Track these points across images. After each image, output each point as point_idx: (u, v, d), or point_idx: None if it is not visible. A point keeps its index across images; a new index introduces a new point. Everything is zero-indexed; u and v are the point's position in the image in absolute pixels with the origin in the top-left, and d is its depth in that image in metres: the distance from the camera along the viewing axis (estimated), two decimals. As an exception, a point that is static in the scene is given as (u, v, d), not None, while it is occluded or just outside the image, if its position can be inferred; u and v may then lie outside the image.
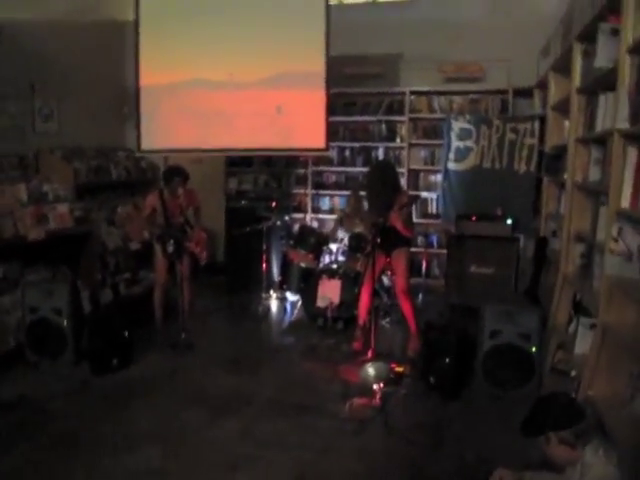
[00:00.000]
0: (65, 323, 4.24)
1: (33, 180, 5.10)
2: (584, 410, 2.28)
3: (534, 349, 3.69)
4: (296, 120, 5.93)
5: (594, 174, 3.65)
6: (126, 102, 7.11)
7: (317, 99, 5.79)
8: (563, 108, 4.71)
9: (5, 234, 4.30)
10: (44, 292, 4.28)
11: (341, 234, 5.74)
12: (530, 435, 2.34)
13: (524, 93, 6.39)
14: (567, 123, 4.47)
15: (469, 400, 3.80)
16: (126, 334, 4.38)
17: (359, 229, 4.86)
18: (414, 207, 5.57)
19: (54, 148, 5.88)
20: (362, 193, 4.74)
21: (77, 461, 3.03)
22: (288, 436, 3.36)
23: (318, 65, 5.72)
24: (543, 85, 5.64)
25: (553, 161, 5.06)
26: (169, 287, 5.13)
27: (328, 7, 5.66)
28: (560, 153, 4.77)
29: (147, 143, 6.36)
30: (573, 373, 3.46)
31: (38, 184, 5.05)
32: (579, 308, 3.72)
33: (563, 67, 4.61)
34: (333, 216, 7.09)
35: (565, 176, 4.27)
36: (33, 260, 4.89)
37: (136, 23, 6.21)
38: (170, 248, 4.74)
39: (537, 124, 5.94)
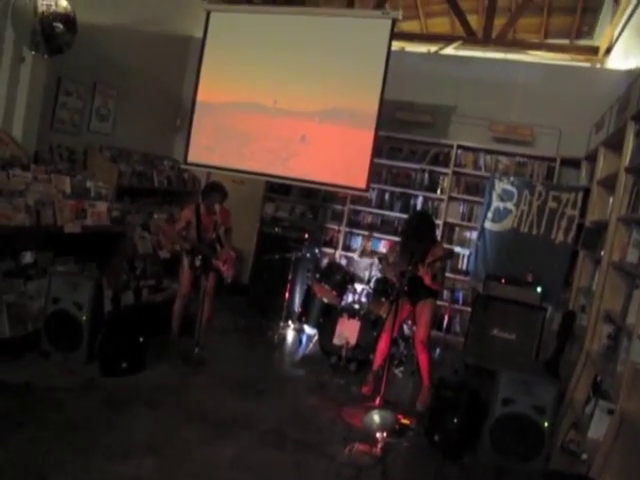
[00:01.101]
0: (84, 318, 4.28)
1: (79, 175, 5.25)
2: None
3: (547, 424, 3.58)
4: (341, 157, 5.96)
5: (632, 255, 3.59)
6: (179, 114, 7.32)
7: (365, 139, 5.83)
8: (609, 184, 4.67)
9: (43, 222, 4.41)
10: (69, 284, 4.34)
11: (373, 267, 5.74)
12: None
13: (571, 163, 6.37)
14: (611, 200, 4.42)
15: (471, 465, 3.68)
16: (141, 340, 4.40)
17: (391, 276, 4.82)
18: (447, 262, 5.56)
19: (104, 147, 6.06)
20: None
21: (70, 458, 3.02)
22: (282, 470, 3.31)
23: (371, 107, 5.77)
24: (592, 158, 5.61)
25: (592, 236, 4.99)
26: (190, 300, 5.15)
27: (389, 52, 5.75)
28: (600, 229, 4.71)
29: (193, 156, 6.49)
30: (584, 457, 3.34)
31: (83, 179, 5.19)
32: (599, 390, 3.61)
33: (614, 144, 4.58)
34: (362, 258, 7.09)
35: (602, 253, 4.20)
36: (65, 252, 4.99)
37: (203, 40, 6.40)
38: (197, 262, 4.79)
39: (580, 196, 5.90)
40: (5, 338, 4.16)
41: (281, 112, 6.15)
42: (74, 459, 3.02)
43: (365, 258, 5.81)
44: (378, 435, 3.72)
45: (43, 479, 2.80)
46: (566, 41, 8.58)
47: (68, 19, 4.93)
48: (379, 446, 3.65)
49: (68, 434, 3.28)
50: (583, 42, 8.50)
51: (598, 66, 7.41)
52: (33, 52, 4.87)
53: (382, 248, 7.08)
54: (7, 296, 4.29)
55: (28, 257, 4.62)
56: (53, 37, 4.88)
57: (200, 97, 6.43)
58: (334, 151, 6.00)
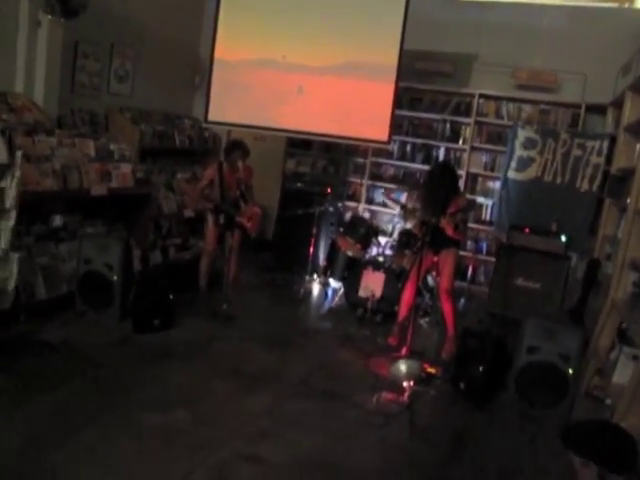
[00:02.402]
0: (115, 278, 4.39)
1: (102, 138, 5.29)
2: (637, 465, 2.07)
3: (571, 371, 3.63)
4: (362, 110, 5.91)
5: (659, 203, 3.55)
6: (198, 72, 7.28)
7: (385, 92, 5.75)
8: (636, 130, 4.58)
9: (71, 185, 4.49)
10: (99, 246, 4.44)
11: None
12: (571, 448, 2.16)
13: (597, 110, 6.21)
14: (638, 146, 4.35)
15: (497, 412, 3.78)
16: (171, 297, 4.52)
17: (413, 226, 4.86)
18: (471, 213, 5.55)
19: (124, 109, 6.09)
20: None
21: (108, 411, 3.17)
22: (312, 419, 3.43)
23: (391, 58, 5.67)
24: (618, 104, 5.48)
25: (618, 183, 4.93)
26: (216, 257, 5.25)
27: (408, 0, 5.61)
28: (626, 176, 4.64)
29: (214, 115, 6.46)
30: (608, 402, 3.40)
31: (106, 142, 5.23)
32: (624, 337, 3.65)
33: (643, 88, 4.47)
34: (386, 209, 7.10)
35: (628, 200, 4.16)
36: (93, 214, 5.09)
37: (218, -4, 6.31)
38: (222, 220, 4.87)
39: (606, 143, 5.79)
40: (42, 299, 4.31)
41: (297, 67, 6.09)
42: (111, 412, 3.16)
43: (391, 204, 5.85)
44: (405, 384, 3.82)
45: (82, 430, 2.95)
46: (592, -21, 8.23)
47: (82, -20, 4.89)
48: (406, 394, 3.76)
49: (105, 389, 3.43)
50: (610, -20, 8.15)
51: (626, 6, 7.13)
52: (49, 16, 4.85)
53: (404, 200, 7.08)
54: (40, 259, 4.42)
55: (58, 220, 4.72)
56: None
57: (217, 55, 6.36)
58: (355, 105, 5.96)
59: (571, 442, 2.12)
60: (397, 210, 5.84)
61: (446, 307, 4.66)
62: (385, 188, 7.21)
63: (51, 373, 3.51)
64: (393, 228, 5.89)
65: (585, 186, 5.91)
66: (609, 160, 5.68)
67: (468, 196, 6.12)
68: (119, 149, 5.28)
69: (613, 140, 5.60)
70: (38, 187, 4.18)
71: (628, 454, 1.99)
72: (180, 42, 7.02)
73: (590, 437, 2.06)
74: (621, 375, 3.37)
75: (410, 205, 4.84)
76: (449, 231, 4.34)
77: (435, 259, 4.64)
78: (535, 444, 3.41)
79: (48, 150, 4.45)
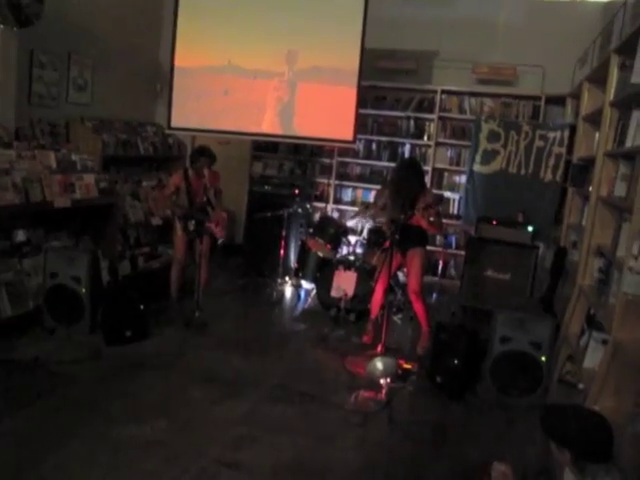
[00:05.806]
0: (83, 291, 4.31)
1: (63, 149, 5.18)
2: (612, 452, 2.05)
3: (544, 358, 3.69)
4: (326, 111, 5.96)
5: (620, 189, 3.62)
6: (159, 79, 7.19)
7: (348, 93, 5.80)
8: (595, 120, 4.68)
9: (33, 199, 4.38)
10: (65, 259, 4.36)
11: (362, 222, 5.78)
12: (549, 435, 2.15)
13: (557, 101, 6.34)
14: (597, 135, 4.44)
15: (474, 403, 3.82)
16: (141, 307, 4.45)
17: (383, 220, 4.89)
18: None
19: (85, 118, 5.97)
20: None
21: (84, 427, 3.11)
22: (291, 422, 3.41)
23: (352, 60, 5.73)
24: (576, 95, 5.59)
25: (579, 172, 5.03)
26: (186, 265, 5.19)
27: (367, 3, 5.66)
28: (587, 165, 4.74)
29: (177, 121, 6.42)
30: (581, 386, 3.46)
31: (67, 153, 5.12)
32: (592, 322, 3.71)
33: (598, 79, 4.57)
34: (354, 208, 7.11)
35: (590, 189, 4.24)
36: (57, 227, 4.99)
37: (176, 3, 6.24)
38: (191, 227, 4.82)
39: (567, 133, 5.91)
40: (7, 317, 4.20)
41: (258, 72, 6.13)
42: (87, 427, 3.10)
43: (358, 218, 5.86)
44: (382, 381, 3.83)
45: (57, 447, 2.88)
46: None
47: (34, -12, 4.78)
48: (384, 391, 3.77)
49: (79, 404, 3.36)
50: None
51: (579, -1, 7.29)
52: (2, 25, 4.73)
53: (372, 199, 7.10)
54: (4, 275, 4.30)
55: (21, 235, 4.61)
56: (20, 8, 4.74)
57: (177, 62, 6.32)
58: (319, 106, 5.99)
59: (548, 427, 2.12)
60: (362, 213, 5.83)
61: (417, 306, 4.68)
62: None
63: (22, 392, 3.42)
64: (362, 226, 5.90)
65: (549, 176, 6.03)
66: (570, 150, 5.80)
67: (435, 191, 6.19)
68: (81, 159, 5.18)
69: (573, 130, 5.72)
70: (-2, 202, 4.08)
71: (604, 444, 2.00)
72: (139, 49, 6.92)
73: (566, 423, 2.06)
74: (592, 359, 3.42)
75: (380, 202, 4.85)
76: (424, 224, 4.36)
77: (402, 258, 4.65)
78: (513, 432, 3.45)
79: (7, 164, 4.33)
